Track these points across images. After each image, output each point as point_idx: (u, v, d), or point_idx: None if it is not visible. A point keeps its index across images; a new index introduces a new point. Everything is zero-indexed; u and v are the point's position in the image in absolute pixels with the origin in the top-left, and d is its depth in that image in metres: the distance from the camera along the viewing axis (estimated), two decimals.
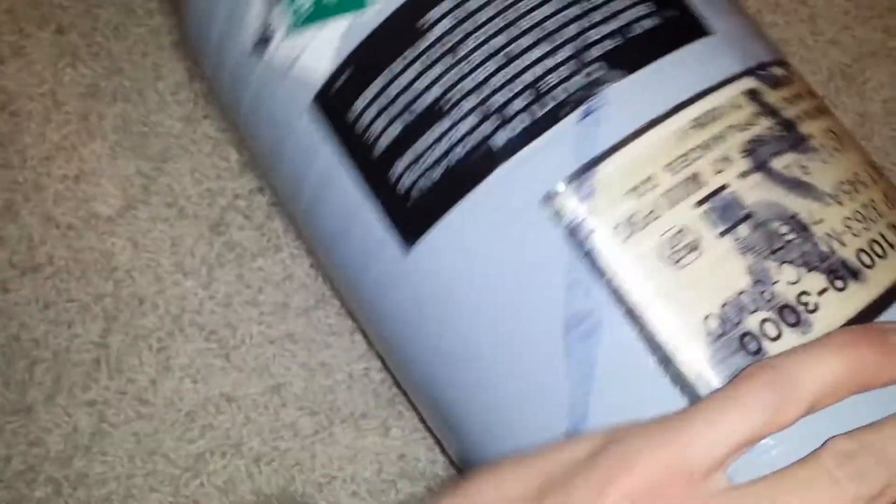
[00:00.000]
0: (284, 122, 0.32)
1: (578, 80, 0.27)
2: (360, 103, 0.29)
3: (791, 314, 0.25)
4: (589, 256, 0.26)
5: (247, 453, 0.41)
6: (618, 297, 0.26)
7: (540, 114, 0.27)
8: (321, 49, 0.30)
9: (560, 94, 0.27)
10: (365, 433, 0.42)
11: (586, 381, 0.26)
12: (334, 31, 0.30)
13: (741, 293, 0.25)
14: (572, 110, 0.27)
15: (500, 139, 0.27)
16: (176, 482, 0.41)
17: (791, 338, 0.25)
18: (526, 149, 0.27)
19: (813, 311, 0.25)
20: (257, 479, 0.41)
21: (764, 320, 0.25)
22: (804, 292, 0.25)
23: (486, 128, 0.27)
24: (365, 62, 0.29)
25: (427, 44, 0.28)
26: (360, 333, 0.42)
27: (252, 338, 0.43)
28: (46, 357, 0.42)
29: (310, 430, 0.41)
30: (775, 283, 0.25)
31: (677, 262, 0.25)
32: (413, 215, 0.29)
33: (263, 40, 0.31)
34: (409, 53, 0.28)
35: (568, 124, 0.27)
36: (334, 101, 0.30)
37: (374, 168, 0.29)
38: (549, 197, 0.27)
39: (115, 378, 0.42)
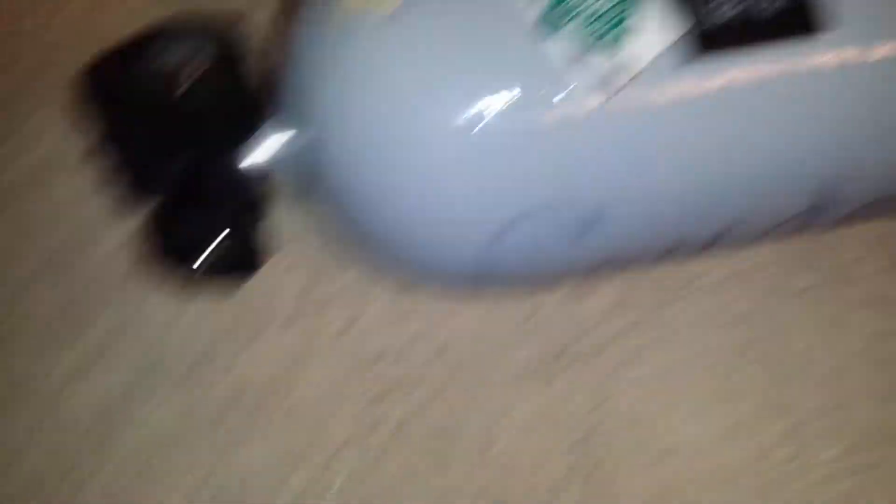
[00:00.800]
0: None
1: None
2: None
3: None
4: None
5: (418, 396, 0.48)
6: None
7: None
8: (655, 22, 0.35)
9: None
10: None
11: None
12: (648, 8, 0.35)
13: None
14: None
15: None
16: None
17: None
18: None
19: None
20: (427, 417, 0.47)
21: None
22: None
23: None
24: None
25: None
26: None
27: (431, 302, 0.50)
28: None
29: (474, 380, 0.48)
30: None
31: None
32: None
33: (606, 86, 0.35)
34: None
35: None
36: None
37: None
38: None
39: (313, 324, 0.49)
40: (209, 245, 0.41)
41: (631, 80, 0.36)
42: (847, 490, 0.47)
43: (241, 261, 0.43)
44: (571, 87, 0.36)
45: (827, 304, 0.50)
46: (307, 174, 0.43)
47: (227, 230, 0.42)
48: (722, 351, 0.49)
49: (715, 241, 0.45)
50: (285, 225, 0.51)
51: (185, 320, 0.48)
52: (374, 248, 0.43)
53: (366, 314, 0.49)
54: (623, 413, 0.47)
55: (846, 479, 0.47)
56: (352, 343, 0.49)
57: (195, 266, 0.41)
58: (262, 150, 0.44)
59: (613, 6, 0.35)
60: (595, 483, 0.46)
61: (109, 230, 0.49)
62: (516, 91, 0.36)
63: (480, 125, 0.37)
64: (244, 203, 0.44)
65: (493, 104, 0.36)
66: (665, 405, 0.48)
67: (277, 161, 0.44)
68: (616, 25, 0.35)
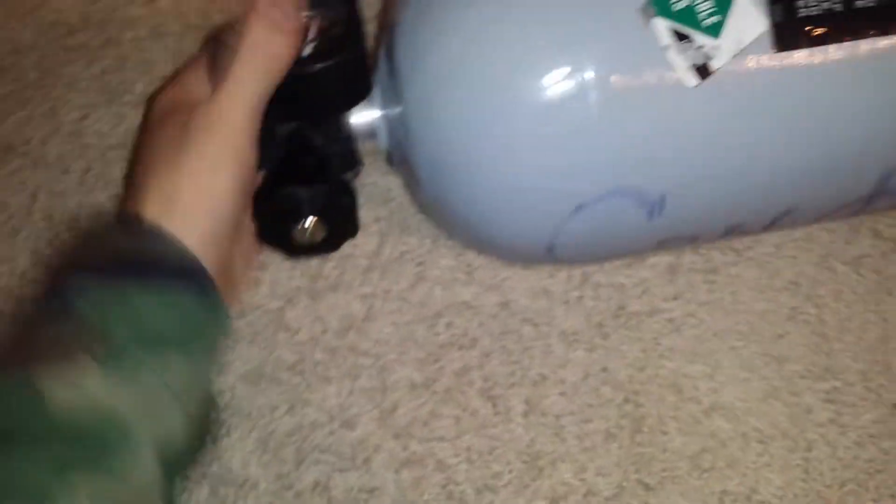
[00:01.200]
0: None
1: None
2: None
3: None
4: None
5: (478, 348, 0.52)
6: None
7: None
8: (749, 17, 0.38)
9: None
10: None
11: None
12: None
13: None
14: None
15: None
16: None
17: None
18: None
19: None
20: (485, 368, 0.51)
21: None
22: None
23: None
24: None
25: None
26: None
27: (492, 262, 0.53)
28: None
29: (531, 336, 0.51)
30: None
31: None
32: None
33: (701, 68, 0.38)
34: None
35: None
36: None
37: None
38: None
39: (385, 279, 0.53)
40: (309, 216, 0.43)
41: (726, 63, 0.38)
42: (885, 450, 0.49)
43: (336, 231, 0.45)
44: (673, 65, 0.38)
45: (882, 272, 0.52)
46: (398, 147, 0.45)
47: (326, 202, 0.44)
48: (770, 316, 0.51)
49: (773, 224, 0.46)
50: (364, 189, 0.55)
51: (268, 272, 0.53)
52: (455, 217, 0.45)
53: (432, 271, 0.53)
54: (670, 373, 0.50)
55: (884, 441, 0.49)
56: (419, 296, 0.53)
57: (296, 236, 0.44)
58: (360, 123, 0.46)
59: None
60: (644, 435, 0.49)
61: None
62: (617, 67, 0.38)
63: (576, 100, 0.38)
64: (342, 176, 0.46)
65: (589, 80, 0.38)
66: (711, 366, 0.50)
67: (371, 134, 0.46)
68: (721, 9, 0.38)
